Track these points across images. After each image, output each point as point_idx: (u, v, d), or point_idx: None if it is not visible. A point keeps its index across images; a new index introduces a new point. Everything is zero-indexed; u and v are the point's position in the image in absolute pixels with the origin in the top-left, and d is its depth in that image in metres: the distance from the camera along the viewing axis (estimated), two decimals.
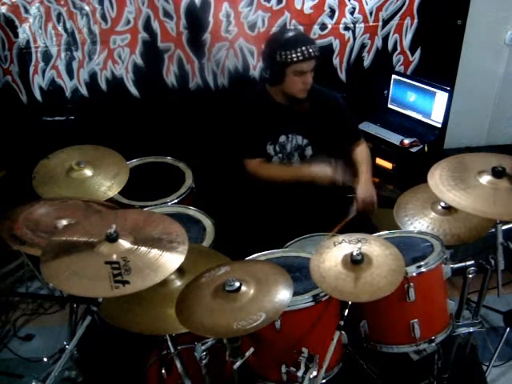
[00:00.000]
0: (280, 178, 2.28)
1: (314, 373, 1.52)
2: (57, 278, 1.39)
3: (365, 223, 2.25)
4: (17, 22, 2.60)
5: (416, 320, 1.68)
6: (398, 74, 2.88)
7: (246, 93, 2.43)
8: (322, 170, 2.21)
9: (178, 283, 1.64)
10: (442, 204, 1.93)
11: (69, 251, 1.46)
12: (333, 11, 2.70)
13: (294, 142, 2.32)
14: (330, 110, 2.31)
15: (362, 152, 2.38)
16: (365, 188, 2.22)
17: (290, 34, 2.17)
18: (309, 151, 2.35)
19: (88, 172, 2.07)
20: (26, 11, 2.58)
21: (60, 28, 2.64)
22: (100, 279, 1.38)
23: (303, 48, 2.08)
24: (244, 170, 2.31)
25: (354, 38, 2.79)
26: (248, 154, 2.31)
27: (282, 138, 2.31)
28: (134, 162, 2.48)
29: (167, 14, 2.64)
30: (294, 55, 2.08)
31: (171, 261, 1.46)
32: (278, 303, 1.43)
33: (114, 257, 1.43)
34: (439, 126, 2.76)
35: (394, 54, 2.87)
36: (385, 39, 2.81)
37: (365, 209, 2.19)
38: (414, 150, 2.66)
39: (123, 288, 1.36)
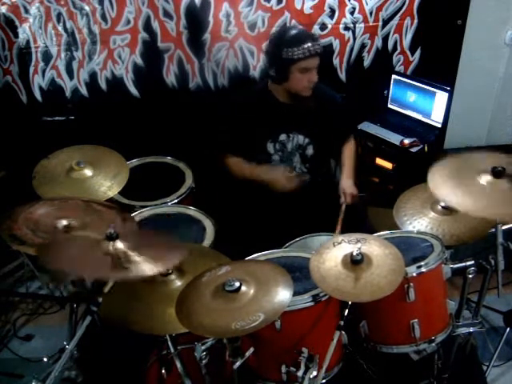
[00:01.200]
0: (241, 175, 2.30)
1: (314, 373, 1.52)
2: (58, 261, 1.40)
3: (362, 224, 2.27)
4: (17, 22, 2.60)
5: (416, 320, 1.68)
6: (398, 73, 2.88)
7: (246, 91, 2.43)
8: (275, 174, 2.23)
9: (178, 283, 1.64)
10: (442, 204, 1.93)
11: (69, 245, 1.47)
12: (333, 11, 2.70)
13: (295, 141, 2.32)
14: (328, 108, 2.32)
15: (348, 150, 2.44)
16: (349, 182, 2.30)
17: (294, 31, 2.18)
18: (310, 150, 2.35)
19: (88, 172, 2.07)
20: (26, 11, 2.58)
21: (60, 28, 2.64)
22: (100, 263, 1.39)
23: (308, 45, 2.08)
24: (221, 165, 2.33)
25: (354, 38, 2.79)
26: (233, 151, 2.31)
27: (283, 137, 2.31)
28: (134, 161, 2.48)
29: (167, 14, 2.64)
30: (300, 52, 2.08)
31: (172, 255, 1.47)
32: (277, 304, 1.43)
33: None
34: (439, 126, 2.76)
35: (394, 54, 2.86)
36: (385, 39, 2.81)
37: (351, 200, 2.25)
38: (414, 149, 2.66)
39: (123, 272, 1.38)
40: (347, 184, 2.30)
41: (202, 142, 2.46)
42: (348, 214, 2.22)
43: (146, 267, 1.41)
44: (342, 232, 1.97)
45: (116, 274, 1.36)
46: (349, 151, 2.44)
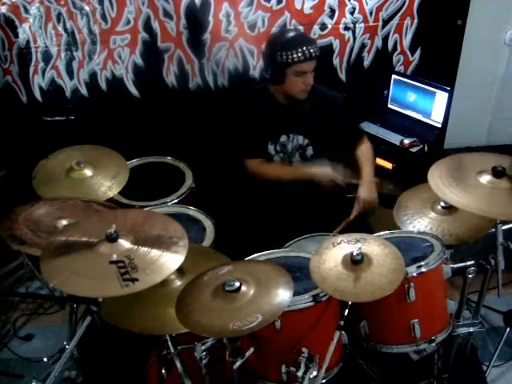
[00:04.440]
0: (281, 177, 2.29)
1: (314, 373, 1.52)
2: (64, 283, 1.39)
3: (361, 223, 2.27)
4: (17, 22, 2.60)
5: (416, 320, 1.68)
6: (398, 73, 2.88)
7: (246, 92, 2.43)
8: (323, 171, 2.22)
9: (178, 283, 1.64)
10: (442, 204, 1.93)
11: (69, 252, 1.46)
12: (333, 11, 2.71)
13: (294, 142, 2.32)
14: (330, 110, 2.31)
15: (364, 151, 2.38)
16: (368, 189, 2.22)
17: (291, 34, 2.17)
18: (310, 151, 2.35)
19: (88, 172, 2.07)
20: (26, 11, 2.58)
21: (60, 28, 2.64)
22: (108, 279, 1.38)
23: (304, 48, 2.07)
24: (245, 169, 2.32)
25: (354, 38, 2.79)
26: (248, 153, 2.31)
27: (283, 138, 2.31)
28: (134, 161, 2.48)
29: (167, 14, 2.64)
30: (294, 55, 2.07)
31: (174, 254, 1.47)
32: (276, 306, 1.43)
33: (115, 256, 1.43)
34: (439, 126, 2.76)
35: (394, 54, 2.87)
36: (385, 39, 2.81)
37: (366, 209, 2.20)
38: (413, 150, 2.66)
39: (133, 286, 1.36)
40: (366, 192, 2.20)
41: (229, 149, 2.43)
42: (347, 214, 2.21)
43: (154, 273, 1.41)
44: (342, 232, 1.96)
45: (126, 288, 1.36)
46: (364, 154, 2.35)
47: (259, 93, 2.33)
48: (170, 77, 2.81)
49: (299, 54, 2.07)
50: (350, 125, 2.41)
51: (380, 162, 2.77)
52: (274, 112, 2.27)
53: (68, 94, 2.81)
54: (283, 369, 1.60)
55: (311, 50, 2.09)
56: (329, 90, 2.37)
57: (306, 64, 2.10)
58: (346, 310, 1.59)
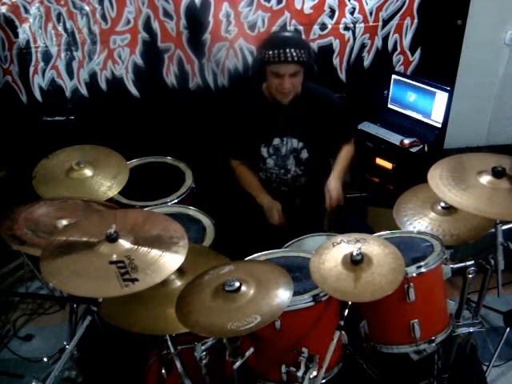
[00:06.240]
0: (246, 188, 2.35)
1: (314, 373, 1.52)
2: (64, 283, 1.39)
3: (361, 223, 2.27)
4: (17, 22, 2.60)
5: (416, 320, 1.68)
6: (398, 73, 2.88)
7: (243, 92, 2.43)
8: (269, 210, 2.23)
9: (178, 283, 1.64)
10: (442, 204, 1.93)
11: (69, 252, 1.46)
12: (333, 11, 2.70)
13: (289, 145, 2.30)
14: (324, 111, 2.28)
15: (344, 151, 2.39)
16: (333, 183, 2.23)
17: (284, 34, 2.16)
18: (304, 154, 2.33)
19: (88, 172, 2.08)
20: (26, 11, 2.58)
21: (60, 28, 2.64)
22: (108, 279, 1.38)
23: (281, 50, 2.01)
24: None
25: (354, 38, 2.79)
26: (232, 153, 2.36)
27: (276, 141, 2.29)
28: (134, 162, 2.48)
29: (167, 14, 2.64)
30: (270, 55, 2.03)
31: (174, 255, 1.47)
32: (275, 307, 1.43)
33: (115, 257, 1.44)
34: (439, 126, 2.76)
35: (394, 54, 2.86)
36: (385, 39, 2.81)
37: (335, 201, 2.20)
38: (413, 150, 2.66)
39: (133, 286, 1.37)
40: (333, 184, 2.22)
41: (214, 145, 2.48)
42: (339, 213, 2.21)
43: (154, 273, 1.41)
44: (341, 232, 1.96)
45: (126, 289, 1.36)
46: (345, 153, 2.38)
47: (254, 94, 2.31)
48: (170, 77, 2.81)
49: (275, 55, 2.02)
50: (343, 125, 2.40)
51: (380, 161, 2.78)
52: (266, 114, 2.25)
53: (68, 94, 2.81)
54: (283, 369, 1.60)
55: (288, 54, 2.01)
56: (326, 90, 2.35)
57: (281, 66, 2.05)
58: (346, 310, 1.59)
